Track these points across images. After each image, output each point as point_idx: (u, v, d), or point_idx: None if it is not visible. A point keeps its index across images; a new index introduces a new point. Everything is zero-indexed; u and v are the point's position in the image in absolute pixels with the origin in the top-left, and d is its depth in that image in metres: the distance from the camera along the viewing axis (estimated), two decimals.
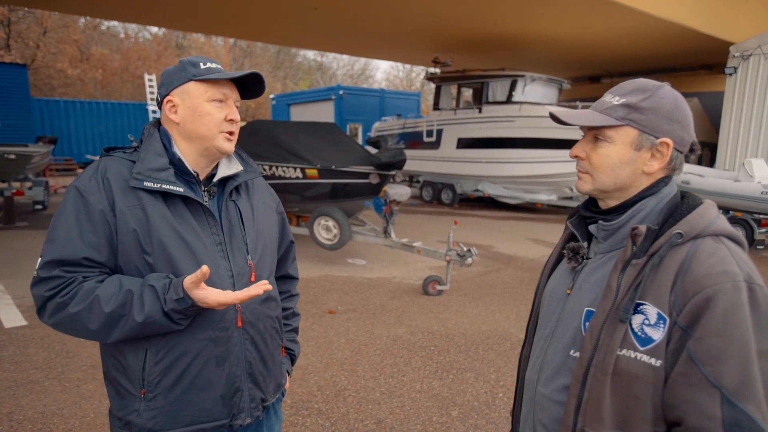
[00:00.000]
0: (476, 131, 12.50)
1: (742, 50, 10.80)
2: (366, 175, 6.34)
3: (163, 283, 1.16)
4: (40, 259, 1.18)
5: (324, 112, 19.46)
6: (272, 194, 1.53)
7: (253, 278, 1.30)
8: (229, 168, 1.34)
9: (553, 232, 10.01)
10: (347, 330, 4.45)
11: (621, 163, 1.01)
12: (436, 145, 13.47)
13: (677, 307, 0.90)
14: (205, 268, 1.10)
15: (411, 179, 15.50)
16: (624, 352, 0.94)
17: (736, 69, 10.94)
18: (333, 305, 5.14)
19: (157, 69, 26.44)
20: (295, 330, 1.64)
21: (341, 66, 43.90)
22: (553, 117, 1.08)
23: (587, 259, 1.09)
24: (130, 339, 1.18)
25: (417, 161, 13.55)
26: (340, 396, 3.27)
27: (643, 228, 0.95)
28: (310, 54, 41.82)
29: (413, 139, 14.01)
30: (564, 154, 11.07)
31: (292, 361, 1.60)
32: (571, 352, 1.03)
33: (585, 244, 1.10)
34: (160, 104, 1.29)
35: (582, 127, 1.06)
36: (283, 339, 1.49)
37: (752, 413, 0.84)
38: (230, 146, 1.29)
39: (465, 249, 5.56)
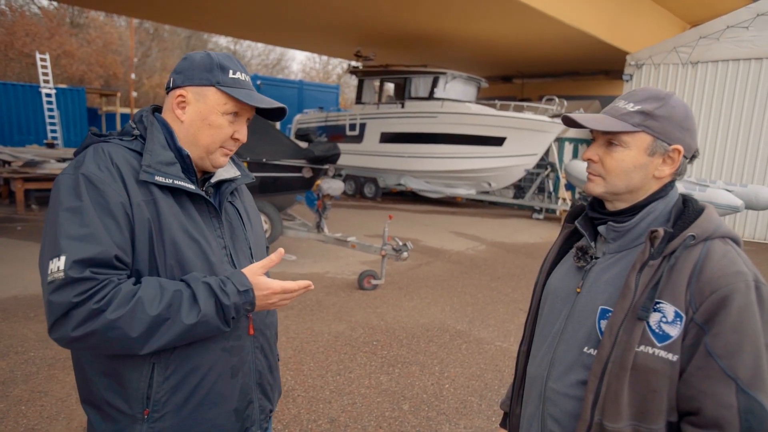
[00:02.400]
0: (399, 126, 12.68)
1: (637, 59, 11.87)
2: (299, 169, 6.22)
3: (216, 279, 1.08)
4: (58, 259, 0.98)
5: None
6: (251, 197, 1.47)
7: None
8: (226, 171, 1.27)
9: (474, 225, 10.43)
10: (287, 328, 4.35)
11: (635, 167, 1.06)
12: (359, 139, 13.49)
13: (694, 305, 0.96)
14: (281, 250, 1.09)
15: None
16: (642, 348, 0.99)
17: (631, 76, 12.01)
18: None
19: (50, 48, 23.97)
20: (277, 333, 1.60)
21: (256, 55, 42.45)
22: (570, 121, 1.11)
23: (595, 258, 1.13)
24: (161, 350, 1.07)
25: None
26: (289, 397, 3.20)
27: (661, 231, 1.01)
28: (223, 41, 40.05)
29: (336, 133, 13.92)
30: (483, 150, 11.57)
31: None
32: (585, 349, 1.07)
33: (593, 245, 1.15)
34: (168, 88, 1.18)
35: (594, 132, 1.10)
36: None
37: (764, 401, 0.92)
38: (224, 162, 1.22)
39: (400, 243, 5.64)
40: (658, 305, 0.98)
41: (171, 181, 1.09)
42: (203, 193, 1.16)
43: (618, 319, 1.00)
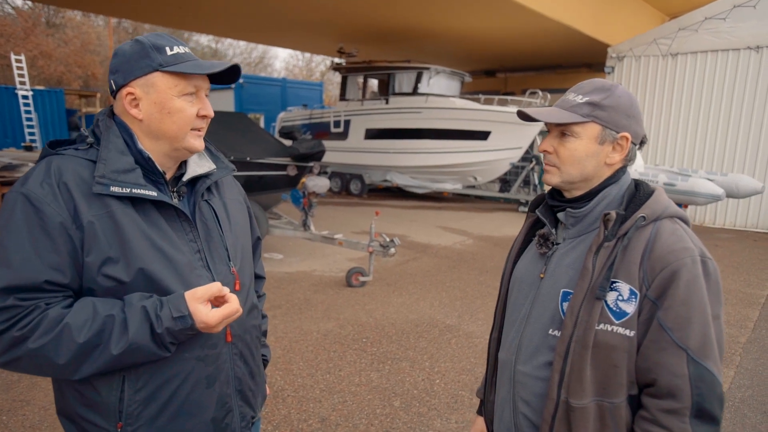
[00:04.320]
0: (384, 122, 12.64)
1: (618, 52, 11.96)
2: (283, 167, 6.16)
3: (153, 301, 1.00)
4: None
5: (223, 102, 18.57)
6: (239, 188, 1.39)
7: (237, 287, 1.18)
8: (200, 165, 1.19)
9: (461, 219, 10.45)
10: (275, 328, 4.31)
11: (587, 155, 1.11)
12: (343, 135, 13.42)
13: (646, 282, 1.02)
14: (216, 285, 1.00)
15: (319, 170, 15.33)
16: (601, 326, 1.04)
17: (613, 68, 12.10)
18: None
19: (26, 49, 23.47)
20: (265, 333, 1.53)
21: (238, 53, 42.00)
22: (524, 115, 1.16)
23: (557, 244, 1.18)
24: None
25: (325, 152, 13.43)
26: (278, 397, 3.16)
27: (613, 213, 1.06)
28: (204, 39, 39.56)
29: (320, 130, 13.84)
30: (468, 144, 11.59)
31: (265, 365, 1.50)
32: (550, 331, 1.13)
33: (554, 231, 1.20)
34: (113, 92, 1.10)
35: (548, 124, 1.15)
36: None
37: (712, 368, 1.00)
38: (200, 144, 1.14)
39: (387, 239, 5.62)
40: (614, 284, 1.04)
41: (129, 190, 1.02)
42: (168, 199, 1.08)
43: (578, 299, 1.06)
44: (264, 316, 1.52)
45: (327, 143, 13.33)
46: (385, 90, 12.88)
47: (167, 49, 1.08)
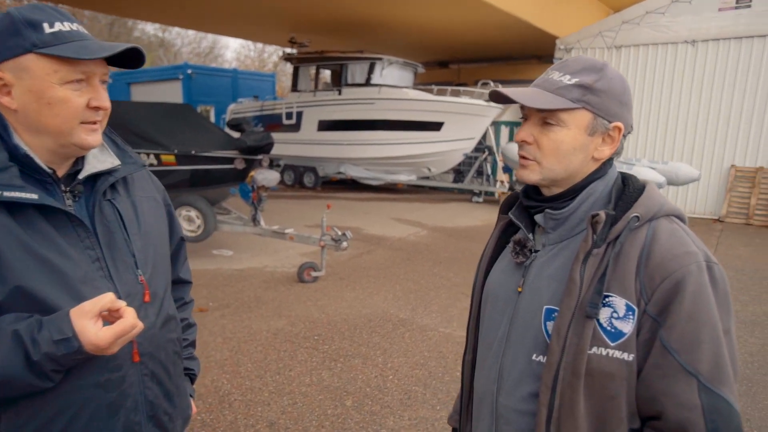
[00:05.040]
0: (337, 113, 12.46)
1: (566, 44, 12.23)
2: (230, 161, 5.93)
3: (30, 323, 0.85)
4: None
5: (171, 93, 17.82)
6: (157, 184, 1.24)
7: (147, 298, 1.04)
8: (101, 161, 1.03)
9: (415, 210, 10.45)
10: (223, 328, 4.14)
11: (574, 149, 0.94)
12: (296, 127, 13.16)
13: (645, 296, 0.86)
14: (106, 297, 0.84)
15: (272, 163, 14.99)
16: (594, 350, 0.87)
17: (561, 60, 12.38)
18: (203, 302, 4.75)
19: None
20: (193, 344, 1.39)
21: (186, 43, 40.51)
22: (498, 96, 0.96)
23: (535, 252, 1.01)
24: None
25: (277, 144, 12.99)
26: (224, 402, 3.02)
27: (603, 214, 0.90)
28: (150, 28, 37.90)
29: (272, 122, 13.51)
30: (422, 135, 11.59)
31: (192, 380, 1.36)
32: (534, 357, 0.95)
33: (531, 236, 1.03)
34: None
35: (526, 109, 0.96)
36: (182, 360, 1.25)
37: (727, 396, 0.84)
38: (94, 139, 0.97)
39: (339, 233, 5.51)
40: (607, 299, 0.88)
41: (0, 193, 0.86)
42: (54, 201, 0.92)
43: (565, 319, 0.89)
44: (192, 325, 1.39)
45: (279, 135, 13.11)
46: (338, 81, 12.70)
47: (45, 25, 0.90)
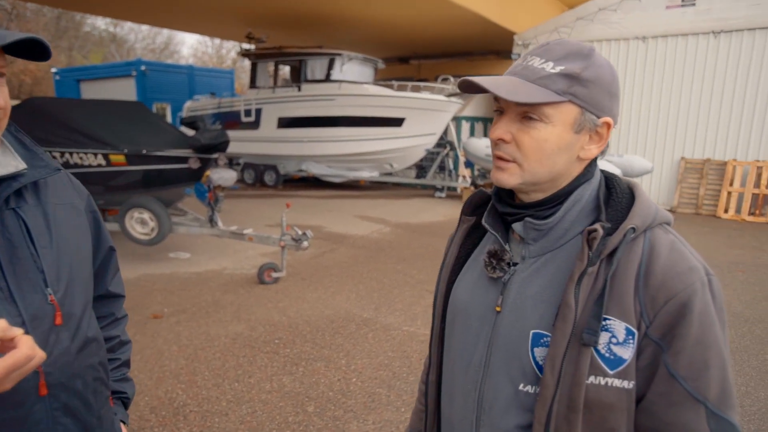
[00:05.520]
0: (297, 110, 12.26)
1: (524, 39, 12.41)
2: (184, 160, 5.71)
3: None
4: None
5: (123, 90, 17.16)
6: (79, 189, 1.11)
7: (59, 320, 0.92)
8: (2, 165, 0.92)
9: (378, 207, 10.40)
10: (178, 335, 3.97)
11: (559, 149, 0.81)
12: (255, 125, 12.87)
13: (646, 318, 0.77)
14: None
15: (231, 162, 14.66)
16: (592, 379, 0.78)
17: (519, 55, 12.54)
18: (157, 308, 4.55)
19: None
20: (126, 363, 1.27)
21: (140, 39, 39.14)
22: (469, 86, 0.83)
23: (514, 265, 0.89)
24: None
25: (236, 143, 12.73)
26: (179, 414, 2.88)
27: (600, 228, 0.79)
28: (100, 23, 36.38)
29: (230, 120, 13.18)
30: (383, 131, 11.53)
31: (126, 405, 1.24)
32: (521, 387, 0.85)
33: (508, 247, 0.90)
34: None
35: (501, 101, 0.83)
36: (110, 385, 1.13)
37: (734, 420, 0.78)
38: None
39: (300, 232, 5.39)
40: (605, 323, 0.78)
41: None
42: None
43: (559, 348, 0.78)
44: (125, 343, 1.27)
45: (238, 133, 12.84)
46: (297, 77, 12.48)
47: None
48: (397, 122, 11.38)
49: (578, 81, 0.79)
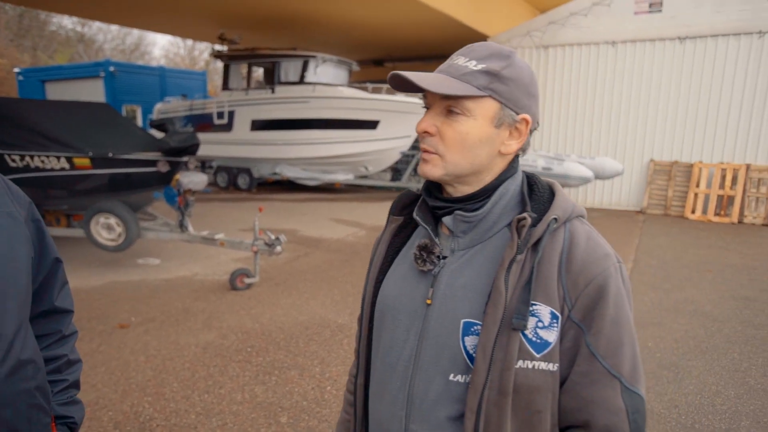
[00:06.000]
0: (270, 112, 12.11)
1: (496, 42, 12.52)
2: (153, 163, 5.55)
3: None
4: None
5: (91, 92, 16.70)
6: (18, 196, 1.03)
7: None
8: None
9: (353, 210, 10.33)
10: (146, 345, 3.83)
11: (480, 141, 0.86)
12: (228, 127, 12.67)
13: (569, 302, 0.83)
14: None
15: (203, 165, 14.40)
16: (520, 363, 0.82)
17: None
18: (124, 317, 4.39)
19: None
20: (75, 385, 1.17)
21: (109, 39, 38.18)
22: (399, 81, 0.86)
23: (443, 258, 0.92)
24: None
25: (208, 145, 12.58)
26: (145, 429, 2.77)
27: (528, 218, 0.84)
28: (67, 22, 35.36)
29: (203, 122, 12.95)
30: (358, 134, 11.48)
31: (73, 430, 1.14)
32: (452, 377, 0.87)
33: (438, 241, 0.93)
34: None
35: (429, 97, 0.88)
36: (51, 410, 1.03)
37: (642, 393, 0.85)
38: None
39: (273, 237, 5.29)
40: (532, 308, 0.82)
41: None
42: None
43: (490, 333, 0.81)
44: (74, 362, 1.18)
45: (210, 136, 12.63)
46: (271, 79, 12.34)
47: None
48: (371, 125, 11.35)
49: (498, 78, 0.84)
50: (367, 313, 1.00)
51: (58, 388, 1.11)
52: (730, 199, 9.97)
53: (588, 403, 0.83)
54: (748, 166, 9.92)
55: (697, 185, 10.26)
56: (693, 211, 10.22)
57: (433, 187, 0.95)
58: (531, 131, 0.90)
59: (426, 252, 0.91)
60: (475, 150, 0.86)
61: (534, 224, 0.85)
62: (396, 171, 13.18)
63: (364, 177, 12.76)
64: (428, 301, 0.90)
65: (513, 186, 0.91)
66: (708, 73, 10.26)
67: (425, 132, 0.88)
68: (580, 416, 0.84)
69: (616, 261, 0.86)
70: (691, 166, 10.43)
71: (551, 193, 0.91)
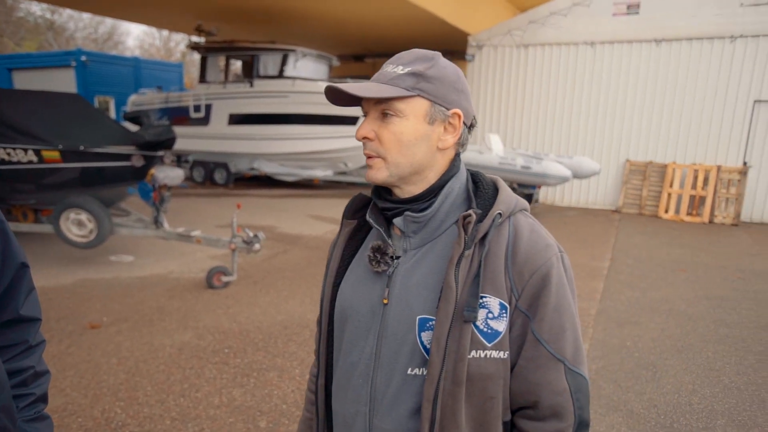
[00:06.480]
0: (249, 107, 11.91)
1: (478, 41, 12.54)
2: (127, 157, 5.38)
3: None
4: None
5: (62, 82, 16.15)
6: None
7: None
8: None
9: (332, 207, 10.24)
10: (118, 346, 3.70)
11: (416, 139, 0.90)
12: (205, 121, 12.42)
13: (516, 292, 0.88)
14: None
15: (179, 159, 14.09)
16: (473, 353, 0.87)
17: (473, 56, 12.68)
18: (95, 317, 4.25)
19: None
20: (42, 398, 1.09)
21: (81, 28, 37.06)
22: (334, 94, 0.90)
23: (396, 258, 0.95)
24: None
25: (185, 139, 12.30)
26: None
27: (473, 214, 0.88)
28: (36, 8, 34.21)
29: (179, 115, 12.65)
30: (338, 130, 11.37)
31: None
32: (410, 371, 0.91)
33: (390, 242, 0.96)
34: None
35: (366, 106, 0.92)
36: (17, 430, 0.95)
37: (585, 373, 0.91)
38: None
39: (251, 234, 5.18)
40: (482, 300, 0.87)
41: None
42: None
43: (443, 327, 0.86)
44: (41, 374, 1.09)
45: (187, 129, 12.36)
46: (249, 72, 12.12)
47: None
48: (352, 121, 11.25)
49: (424, 78, 0.89)
50: (326, 316, 1.03)
51: (24, 402, 1.04)
52: (702, 200, 10.20)
53: (535, 386, 0.89)
54: (719, 168, 10.16)
55: (671, 185, 10.47)
56: (666, 211, 10.43)
57: (383, 190, 0.98)
58: (470, 127, 0.95)
59: (380, 253, 0.95)
60: (413, 148, 0.90)
61: (480, 220, 0.89)
62: None
63: (344, 173, 12.66)
64: (385, 301, 0.94)
65: (458, 184, 0.95)
66: (683, 75, 10.46)
67: (365, 138, 0.92)
68: (529, 398, 0.90)
69: (557, 251, 0.91)
70: (665, 166, 10.63)
71: (495, 189, 0.95)
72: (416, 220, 0.93)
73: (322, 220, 8.84)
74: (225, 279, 5.11)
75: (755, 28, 9.76)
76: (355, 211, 1.05)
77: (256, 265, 5.94)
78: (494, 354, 0.87)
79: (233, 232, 5.14)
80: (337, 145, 11.53)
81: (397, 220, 0.94)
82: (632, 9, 10.70)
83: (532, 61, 11.75)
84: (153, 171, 5.57)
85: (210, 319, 4.29)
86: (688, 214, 10.26)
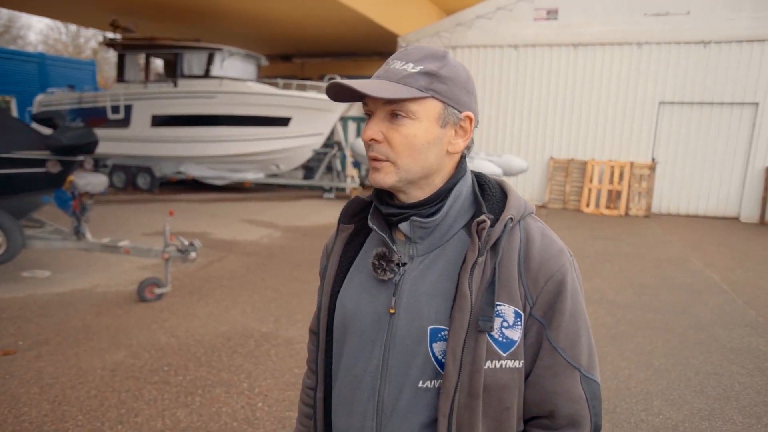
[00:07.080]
0: (173, 107, 11.33)
1: (407, 42, 12.69)
2: (41, 163, 4.91)
3: None
4: None
5: None
6: None
7: None
8: None
9: (266, 210, 9.97)
10: (39, 373, 3.36)
11: (428, 143, 0.85)
12: (125, 123, 11.67)
13: (530, 299, 0.85)
14: None
15: (96, 163, 13.11)
16: (488, 364, 0.83)
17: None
18: (9, 342, 3.83)
19: None
20: None
21: None
22: (338, 90, 0.84)
23: (403, 266, 0.90)
24: None
25: (102, 142, 11.41)
26: None
27: (487, 220, 0.84)
28: None
29: (94, 116, 11.81)
30: (269, 131, 11.10)
31: None
32: (421, 384, 0.86)
33: (395, 249, 0.90)
34: None
35: (370, 104, 0.86)
36: None
37: (598, 379, 0.90)
38: None
39: (186, 242, 4.90)
40: (497, 309, 0.83)
41: None
42: None
43: (458, 338, 0.82)
44: None
45: (105, 132, 11.53)
46: (173, 72, 11.53)
47: None
48: (283, 122, 11.01)
49: (437, 78, 0.84)
50: (324, 326, 0.98)
51: None
52: (618, 194, 10.93)
53: (552, 395, 0.86)
54: (631, 164, 10.93)
55: (591, 181, 11.13)
56: (588, 205, 11.07)
57: (385, 194, 0.93)
58: (474, 128, 0.91)
59: (385, 260, 0.90)
60: (425, 152, 0.85)
61: (491, 225, 0.85)
62: (308, 169, 12.92)
63: (276, 176, 12.37)
64: (392, 310, 0.88)
65: (465, 188, 0.91)
66: (597, 78, 11.16)
67: (372, 140, 0.85)
68: (545, 407, 0.87)
69: (569, 255, 0.90)
70: (585, 163, 11.29)
71: (502, 192, 0.92)
72: (424, 226, 0.88)
73: (257, 225, 8.57)
74: (158, 291, 4.80)
75: (658, 36, 10.60)
76: (353, 215, 1.00)
77: (191, 275, 5.64)
78: (509, 364, 0.85)
79: (166, 241, 4.84)
80: (268, 147, 11.25)
81: (403, 226, 0.89)
82: (551, 15, 11.26)
83: (460, 62, 12.06)
84: (72, 177, 5.13)
85: (144, 335, 4.01)
86: (607, 207, 10.96)
